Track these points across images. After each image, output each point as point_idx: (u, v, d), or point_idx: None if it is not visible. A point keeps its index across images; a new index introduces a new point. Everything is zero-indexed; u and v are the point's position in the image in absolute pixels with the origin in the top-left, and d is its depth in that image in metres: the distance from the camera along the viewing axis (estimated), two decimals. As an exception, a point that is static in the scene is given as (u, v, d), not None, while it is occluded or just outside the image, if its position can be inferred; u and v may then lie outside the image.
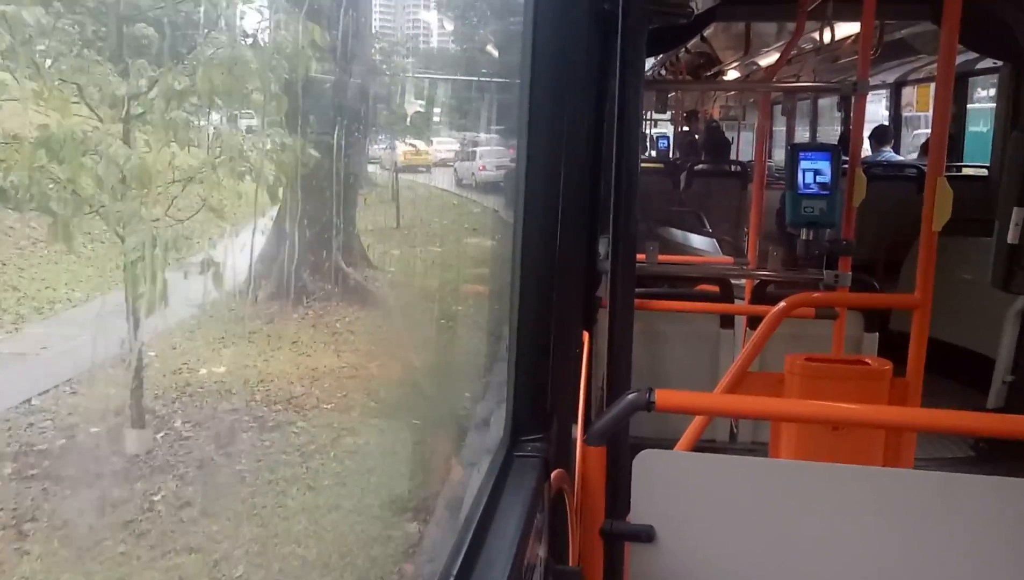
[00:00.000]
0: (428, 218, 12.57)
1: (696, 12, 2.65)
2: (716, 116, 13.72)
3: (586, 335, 2.94)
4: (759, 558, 1.66)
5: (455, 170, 14.34)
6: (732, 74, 9.18)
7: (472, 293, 9.26)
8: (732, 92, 12.66)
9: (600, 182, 2.89)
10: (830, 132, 11.37)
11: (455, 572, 1.39)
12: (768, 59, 7.51)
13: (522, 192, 1.79)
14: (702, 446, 2.45)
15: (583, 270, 2.79)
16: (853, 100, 3.43)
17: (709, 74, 9.05)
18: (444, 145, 14.47)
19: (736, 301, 3.83)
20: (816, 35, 5.50)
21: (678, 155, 12.01)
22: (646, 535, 1.68)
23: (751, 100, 12.91)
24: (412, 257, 10.71)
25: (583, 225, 2.63)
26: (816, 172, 3.14)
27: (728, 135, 12.50)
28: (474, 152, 14.62)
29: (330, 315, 8.13)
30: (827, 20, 4.04)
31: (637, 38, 1.91)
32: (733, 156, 11.33)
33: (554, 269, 1.86)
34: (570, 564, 1.96)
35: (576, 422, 2.57)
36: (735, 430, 3.75)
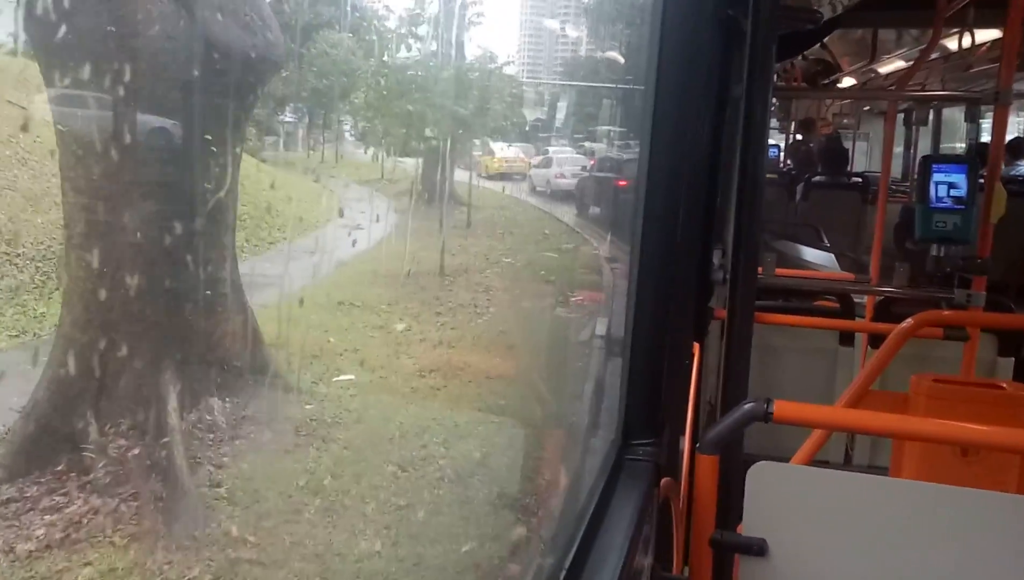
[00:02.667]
0: (490, 256, 9.02)
1: (825, 18, 2.59)
2: (830, 125, 13.21)
3: (696, 346, 2.90)
4: None
5: (530, 178, 13.97)
6: (846, 81, 8.84)
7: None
8: (845, 100, 12.16)
9: (717, 191, 2.86)
10: (951, 146, 10.78)
11: (566, 567, 1.42)
12: (887, 66, 7.17)
13: (642, 199, 1.80)
14: (814, 465, 2.38)
15: (696, 280, 2.76)
16: (993, 110, 3.25)
17: (826, 82, 8.75)
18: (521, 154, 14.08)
19: (856, 318, 3.69)
20: (946, 42, 5.24)
21: (790, 164, 11.64)
22: (758, 548, 1.66)
23: (865, 108, 12.36)
24: (435, 337, 6.88)
25: (698, 235, 2.61)
26: (950, 185, 2.99)
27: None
28: (550, 159, 14.20)
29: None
30: (967, 26, 3.84)
31: (767, 45, 1.89)
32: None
33: (671, 276, 1.86)
34: (673, 573, 1.95)
35: (683, 432, 2.54)
36: (850, 451, 3.61)
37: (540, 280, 9.09)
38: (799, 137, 12.33)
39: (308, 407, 5.29)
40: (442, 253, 8.41)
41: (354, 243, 8.66)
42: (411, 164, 10.15)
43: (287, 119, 10.56)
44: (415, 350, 6.72)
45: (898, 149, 11.08)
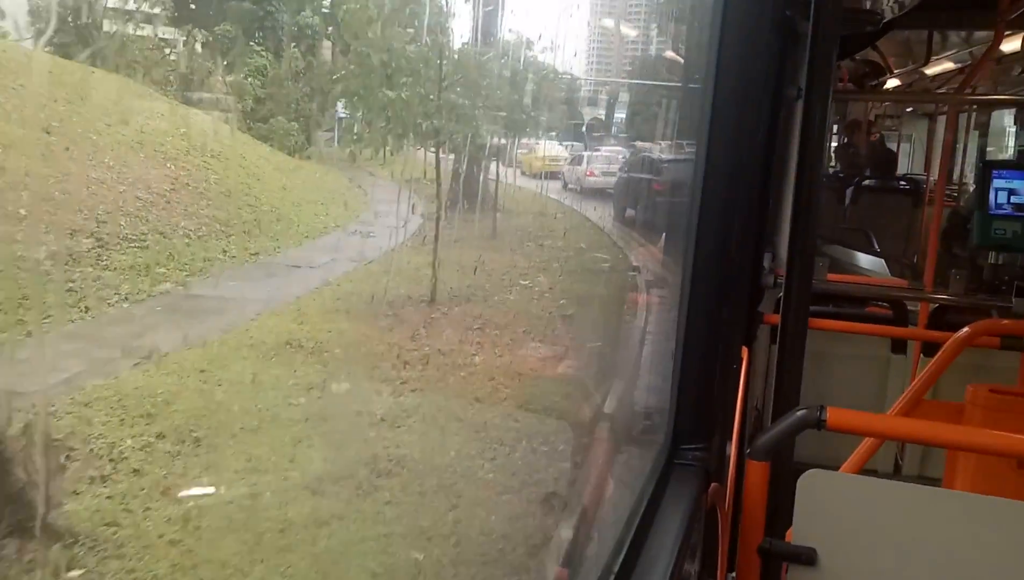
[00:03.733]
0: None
1: (885, 19, 2.54)
2: (877, 130, 12.99)
3: (745, 351, 2.87)
4: None
5: (563, 175, 13.87)
6: (891, 83, 8.68)
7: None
8: (887, 102, 11.94)
9: (769, 194, 2.82)
10: (995, 150, 10.56)
11: (615, 571, 1.41)
12: (935, 68, 6.99)
13: (697, 201, 1.79)
14: (863, 474, 2.34)
15: (747, 284, 2.74)
16: None
17: (874, 83, 8.61)
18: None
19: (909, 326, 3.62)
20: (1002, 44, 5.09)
21: (838, 167, 11.52)
22: (808, 557, 1.63)
23: (908, 109, 12.18)
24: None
25: (750, 238, 2.58)
26: (1011, 192, 2.92)
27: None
28: (582, 156, 14.08)
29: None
30: None
31: (828, 47, 1.85)
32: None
33: (724, 280, 1.84)
34: (718, 579, 1.93)
35: (730, 438, 2.51)
36: (900, 461, 3.53)
37: (557, 315, 6.92)
38: (845, 140, 12.17)
39: (70, 576, 3.12)
40: (434, 273, 6.38)
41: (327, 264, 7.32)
42: (459, 161, 9.57)
43: (340, 114, 10.31)
44: (338, 434, 4.57)
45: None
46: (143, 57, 7.09)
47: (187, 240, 6.45)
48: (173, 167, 6.81)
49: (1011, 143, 10.24)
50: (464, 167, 8.65)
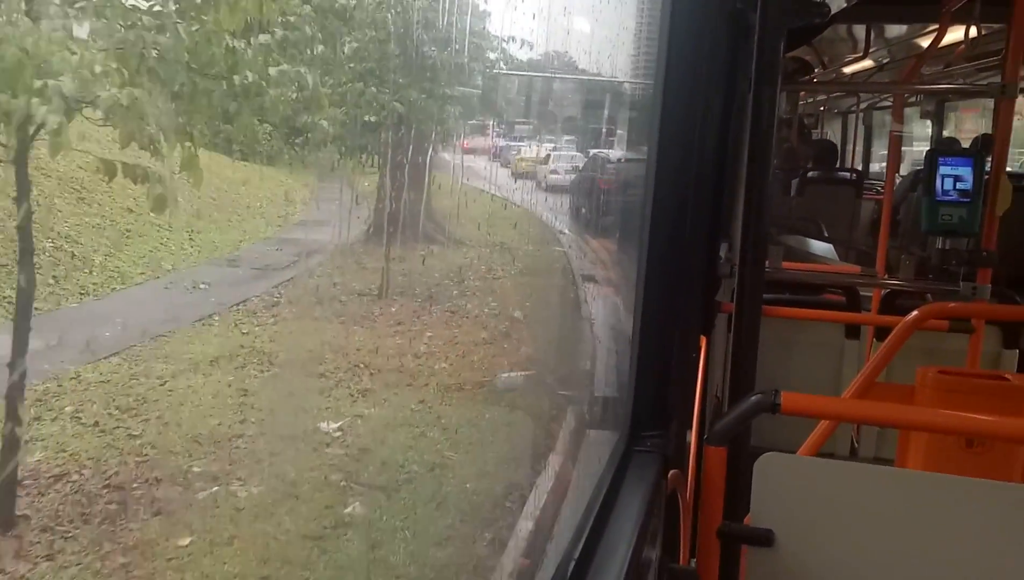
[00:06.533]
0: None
1: (833, 12, 2.59)
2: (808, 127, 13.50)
3: (703, 340, 2.92)
4: (883, 571, 1.61)
5: (535, 174, 14.15)
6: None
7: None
8: (809, 101, 12.38)
9: (724, 185, 2.87)
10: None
11: (575, 558, 1.43)
12: (853, 67, 7.20)
13: (651, 194, 1.82)
14: (820, 458, 2.40)
15: (704, 273, 2.78)
16: (996, 104, 3.26)
17: (802, 80, 8.88)
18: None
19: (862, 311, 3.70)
20: (920, 40, 5.26)
21: (775, 162, 11.87)
22: (765, 538, 1.67)
23: (822, 108, 12.69)
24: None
25: (705, 228, 2.62)
26: (956, 178, 3.01)
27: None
28: (548, 156, 14.47)
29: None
30: (973, 20, 3.84)
31: (775, 39, 1.89)
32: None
33: (679, 270, 1.88)
34: (680, 564, 1.97)
35: (690, 425, 2.56)
36: (856, 444, 3.62)
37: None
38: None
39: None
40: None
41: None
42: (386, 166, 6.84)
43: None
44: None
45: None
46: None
47: None
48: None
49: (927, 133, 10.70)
50: (406, 171, 6.26)
